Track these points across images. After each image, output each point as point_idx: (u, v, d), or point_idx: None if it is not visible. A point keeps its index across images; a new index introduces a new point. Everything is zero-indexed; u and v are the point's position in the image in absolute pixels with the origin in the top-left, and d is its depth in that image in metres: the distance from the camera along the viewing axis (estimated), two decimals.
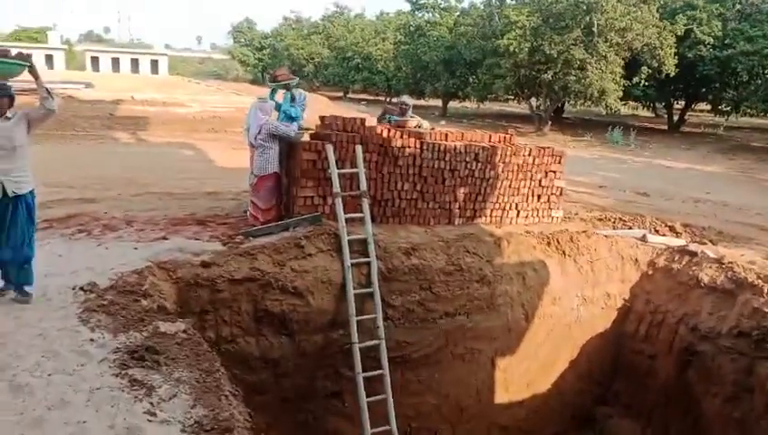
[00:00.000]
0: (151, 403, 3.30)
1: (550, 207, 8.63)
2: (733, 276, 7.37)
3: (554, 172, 8.54)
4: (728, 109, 29.07)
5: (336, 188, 6.96)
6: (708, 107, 32.39)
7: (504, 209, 8.29)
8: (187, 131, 18.30)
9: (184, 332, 4.45)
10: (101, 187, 9.47)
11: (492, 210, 8.21)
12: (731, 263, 7.56)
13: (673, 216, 10.42)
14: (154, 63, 52.99)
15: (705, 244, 8.75)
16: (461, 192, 7.93)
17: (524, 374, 7.94)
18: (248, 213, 7.53)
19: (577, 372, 8.29)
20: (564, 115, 34.02)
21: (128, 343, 4.06)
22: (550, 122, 28.26)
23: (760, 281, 7.07)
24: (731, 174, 18.56)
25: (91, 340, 4.15)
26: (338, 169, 7.01)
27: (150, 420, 3.14)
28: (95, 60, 52.55)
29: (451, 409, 7.57)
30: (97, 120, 18.22)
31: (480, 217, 8.15)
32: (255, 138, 7.31)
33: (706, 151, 23.40)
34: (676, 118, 30.43)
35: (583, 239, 8.28)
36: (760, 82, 25.19)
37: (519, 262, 7.72)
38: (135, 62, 52.47)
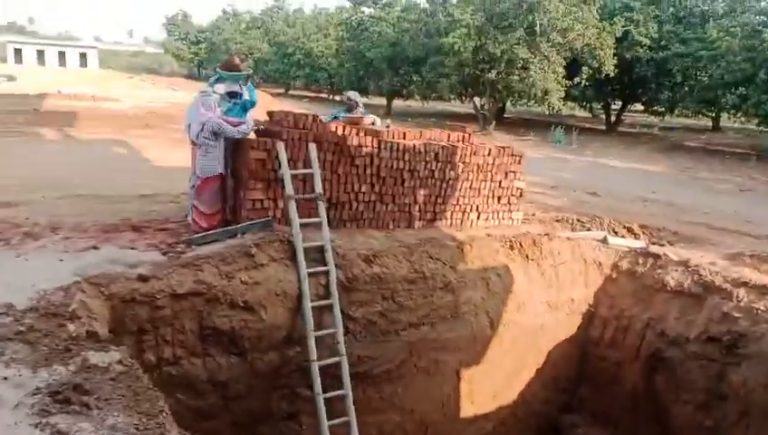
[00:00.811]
0: None
1: (510, 209, 8.29)
2: (699, 280, 7.22)
3: (514, 173, 8.21)
4: (663, 110, 29.95)
5: (288, 190, 6.35)
6: (642, 107, 33.34)
7: (465, 212, 7.89)
8: (119, 128, 17.10)
9: (119, 362, 3.76)
10: (22, 188, 8.48)
11: (452, 212, 7.79)
12: (696, 266, 7.41)
13: (625, 216, 10.30)
14: (83, 57, 50.43)
15: (663, 245, 8.64)
16: (421, 194, 7.47)
17: (490, 385, 7.56)
18: (190, 218, 6.81)
19: (542, 380, 7.99)
20: (505, 115, 34.26)
21: (50, 380, 3.35)
22: (494, 122, 28.32)
23: (728, 285, 6.92)
24: (672, 174, 18.94)
25: (5, 378, 3.42)
26: (290, 169, 6.41)
27: None
28: (18, 52, 49.49)
29: (415, 425, 7.11)
30: (20, 115, 16.81)
31: (440, 219, 7.71)
32: (198, 136, 6.60)
33: (645, 151, 23.93)
34: (612, 118, 31.11)
35: (546, 242, 7.98)
36: (693, 83, 25.99)
37: (482, 267, 7.33)
38: (62, 55, 49.78)
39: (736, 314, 6.64)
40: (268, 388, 6.11)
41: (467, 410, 7.46)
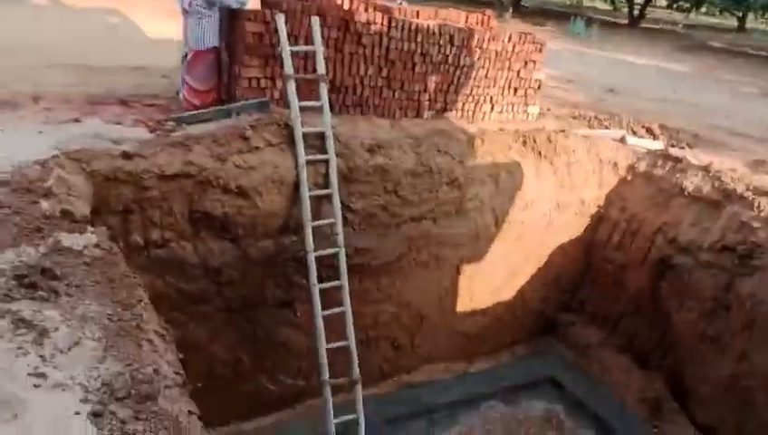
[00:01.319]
0: (42, 357, 2.40)
1: (526, 102, 7.74)
2: (720, 186, 6.83)
3: (534, 62, 7.57)
4: (688, 5, 28.15)
5: (288, 68, 5.80)
6: (666, 2, 31.39)
7: (478, 103, 7.35)
8: None
9: (96, 246, 3.46)
10: (2, 54, 7.90)
11: (464, 103, 7.25)
12: (718, 172, 7.00)
13: (645, 115, 9.73)
14: None
15: (683, 148, 8.18)
16: (432, 81, 6.90)
17: (490, 282, 7.41)
18: (181, 95, 6.32)
19: (544, 279, 7.83)
20: (523, 2, 32.33)
21: (16, 262, 3.06)
22: (511, 9, 26.70)
23: (750, 193, 6.54)
24: (695, 74, 17.99)
25: None
26: (290, 45, 5.83)
27: (37, 386, 2.25)
28: None
29: (411, 317, 7.01)
30: None
31: (451, 110, 7.19)
32: (190, 3, 5.96)
33: (668, 49, 22.67)
34: (635, 12, 29.35)
35: (561, 139, 7.52)
36: None
37: (492, 163, 6.92)
38: None
39: (756, 224, 6.31)
40: (262, 275, 5.91)
41: (464, 304, 7.36)
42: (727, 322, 6.45)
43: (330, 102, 6.06)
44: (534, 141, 7.29)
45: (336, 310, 5.76)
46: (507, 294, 7.66)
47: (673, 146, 8.21)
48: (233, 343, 6.04)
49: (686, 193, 7.08)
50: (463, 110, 7.28)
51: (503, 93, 7.48)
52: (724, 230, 6.57)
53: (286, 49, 5.76)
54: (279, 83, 5.98)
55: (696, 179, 7.09)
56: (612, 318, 7.87)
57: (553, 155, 7.40)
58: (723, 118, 11.23)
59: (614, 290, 7.77)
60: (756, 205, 6.41)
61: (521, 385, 7.24)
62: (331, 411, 5.47)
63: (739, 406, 6.26)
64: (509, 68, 7.37)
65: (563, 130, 7.64)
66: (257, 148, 5.58)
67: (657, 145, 8.13)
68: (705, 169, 7.12)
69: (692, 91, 14.08)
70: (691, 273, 6.82)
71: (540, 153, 7.34)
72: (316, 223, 5.77)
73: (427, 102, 7.01)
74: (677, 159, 7.44)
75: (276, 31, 5.78)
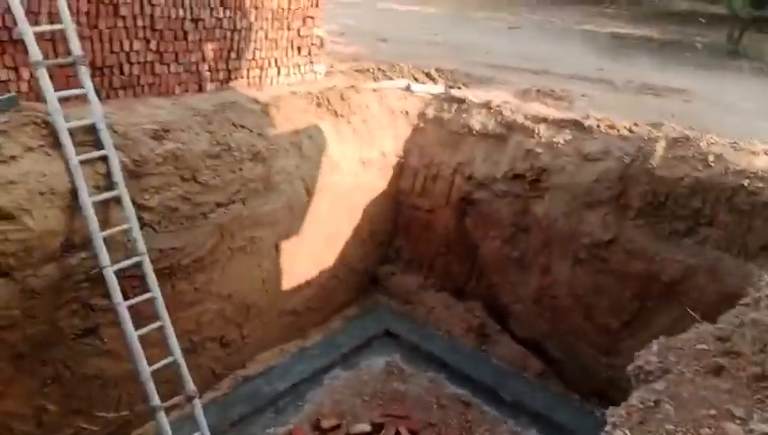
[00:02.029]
0: None
1: (311, 61, 7.47)
2: (503, 120, 7.31)
3: (312, 18, 7.29)
4: None
5: (34, 54, 4.76)
6: None
7: (263, 68, 6.89)
8: None
9: None
10: None
11: (249, 70, 6.75)
12: (498, 107, 7.47)
13: (419, 60, 10.06)
14: None
15: (460, 88, 8.61)
16: (209, 49, 6.27)
17: (310, 253, 7.17)
18: None
19: (360, 238, 7.81)
20: None
21: None
22: None
23: (529, 122, 7.09)
24: (447, 14, 19.18)
25: None
26: (32, 25, 4.77)
27: None
28: None
29: (236, 309, 6.52)
30: None
31: (236, 78, 6.65)
32: None
33: None
34: None
35: (354, 96, 7.42)
36: None
37: (293, 130, 6.58)
38: None
39: (538, 150, 6.89)
40: (52, 307, 4.95)
41: (289, 281, 7.05)
42: (528, 243, 7.04)
43: (95, 88, 5.16)
44: (328, 101, 7.08)
45: (153, 326, 5.07)
46: (328, 260, 7.51)
47: (451, 87, 8.58)
48: (30, 393, 5.03)
49: (473, 132, 7.47)
50: (249, 77, 6.77)
51: (287, 54, 7.10)
52: (513, 160, 7.08)
53: (27, 30, 4.71)
54: (26, 73, 4.91)
55: (481, 117, 7.50)
56: (427, 261, 8.18)
57: (349, 113, 7.28)
58: (484, 54, 12.10)
59: (425, 234, 8.06)
60: (536, 132, 6.98)
61: (358, 346, 7.23)
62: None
63: (550, 315, 6.95)
64: (288, 27, 6.99)
65: (353, 87, 7.53)
66: (13, 157, 4.55)
67: (439, 89, 8.43)
68: (487, 105, 7.56)
69: (450, 32, 14.98)
70: (490, 204, 7.29)
71: (336, 113, 7.16)
72: (107, 232, 4.95)
73: (209, 73, 6.39)
74: (461, 100, 7.80)
75: (9, 9, 4.68)
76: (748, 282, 4.66)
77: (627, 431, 2.89)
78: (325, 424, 6.06)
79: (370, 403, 6.46)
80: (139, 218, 5.25)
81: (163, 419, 4.89)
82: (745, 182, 5.63)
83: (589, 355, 6.72)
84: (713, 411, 2.97)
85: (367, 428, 6.07)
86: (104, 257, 4.88)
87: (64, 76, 5.07)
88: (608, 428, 3.02)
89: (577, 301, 6.63)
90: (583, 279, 6.52)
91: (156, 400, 4.87)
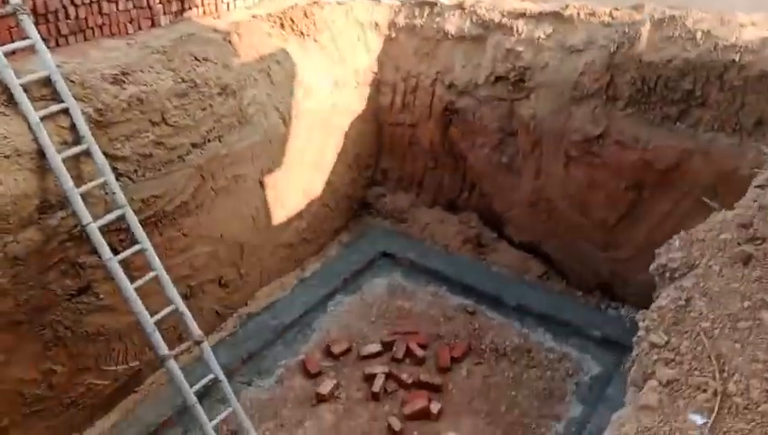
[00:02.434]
0: None
1: None
2: (479, 20, 6.94)
3: None
4: None
5: None
6: None
7: None
8: None
9: None
10: None
11: None
12: (473, 6, 7.08)
13: None
14: None
15: None
16: None
17: (296, 184, 7.00)
18: None
19: (345, 162, 7.62)
20: None
21: None
22: None
23: (506, 19, 6.75)
24: None
25: None
26: None
27: None
28: None
29: (228, 249, 6.41)
30: None
31: (190, 8, 6.22)
32: None
33: None
34: None
35: (318, 12, 7.01)
36: None
37: (259, 57, 6.24)
38: None
39: (519, 48, 6.60)
40: (39, 271, 4.80)
41: (279, 215, 6.92)
42: (516, 147, 6.89)
43: (42, 37, 4.79)
44: (292, 21, 6.69)
45: (147, 277, 4.96)
46: (316, 189, 7.34)
47: None
48: (35, 358, 4.97)
49: (449, 36, 7.12)
50: (204, 5, 6.35)
51: None
52: (493, 62, 6.80)
53: None
54: None
55: (455, 19, 7.13)
56: (416, 178, 8.04)
57: (315, 31, 6.90)
58: None
59: (411, 150, 7.87)
60: (515, 29, 6.66)
61: (357, 271, 7.20)
62: (185, 382, 4.87)
63: (546, 217, 6.90)
64: None
65: (316, 2, 7.09)
66: None
67: None
68: (460, 6, 7.16)
69: None
70: (474, 112, 7.07)
71: (302, 33, 6.78)
72: (82, 189, 4.74)
73: (160, 6, 5.97)
74: (433, 4, 7.38)
75: None
76: (748, 161, 4.55)
77: (662, 334, 2.78)
78: (336, 349, 6.11)
79: (377, 324, 6.50)
80: (114, 169, 5.03)
81: (173, 366, 4.87)
82: (736, 57, 5.42)
83: (588, 252, 6.73)
84: (747, 303, 2.87)
85: (377, 348, 6.13)
86: (85, 215, 4.70)
87: (6, 28, 4.69)
88: (641, 333, 2.92)
89: (572, 199, 6.55)
90: (576, 177, 6.42)
91: (163, 349, 4.83)
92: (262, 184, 6.54)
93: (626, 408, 2.50)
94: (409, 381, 5.77)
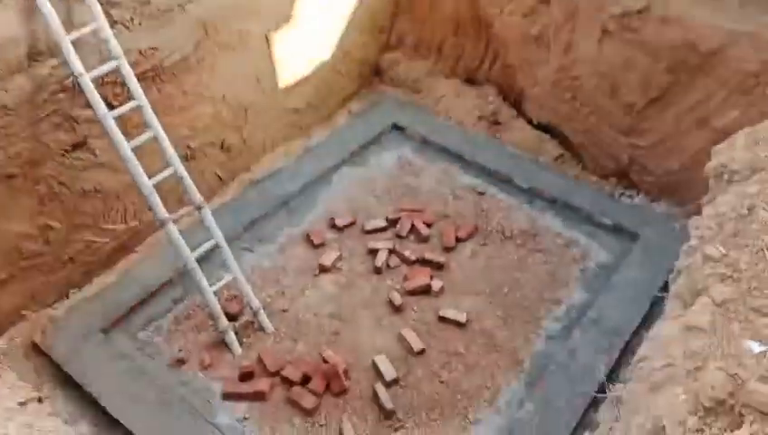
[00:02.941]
0: None
1: None
2: None
3: None
4: None
5: None
6: None
7: None
8: None
9: None
10: None
11: None
12: None
13: None
14: None
15: None
16: None
17: (305, 45, 6.49)
18: None
19: (358, 23, 7.03)
20: None
21: None
22: None
23: None
24: None
25: None
26: None
27: None
28: None
29: (233, 111, 6.08)
30: None
31: None
32: None
33: None
34: None
35: None
36: None
37: None
38: None
39: None
40: (30, 123, 4.53)
41: (286, 78, 6.49)
42: (549, 16, 6.31)
43: None
44: None
45: (144, 137, 4.69)
46: (326, 52, 6.84)
47: None
48: (31, 213, 4.84)
49: None
50: None
51: None
52: None
53: None
54: None
55: None
56: (435, 45, 7.47)
57: None
58: None
59: (431, 14, 7.25)
60: None
61: (366, 143, 6.89)
62: (185, 246, 4.77)
63: (569, 97, 6.47)
64: None
65: None
66: None
67: None
68: None
69: None
70: None
71: None
72: (74, 35, 4.35)
73: None
74: None
75: None
76: None
77: (719, 246, 2.40)
78: (340, 222, 5.97)
79: (383, 199, 6.32)
80: (108, 16, 4.60)
81: (173, 230, 4.75)
82: None
83: (608, 136, 6.39)
84: None
85: (382, 223, 5.99)
86: (77, 64, 4.34)
87: None
88: (693, 242, 2.56)
89: (601, 79, 6.09)
90: (610, 54, 5.90)
91: (162, 212, 4.68)
92: (268, 42, 6.06)
93: (668, 324, 2.22)
94: (412, 257, 5.68)
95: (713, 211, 2.66)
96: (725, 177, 2.92)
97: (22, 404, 1.97)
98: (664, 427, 1.68)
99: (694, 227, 2.64)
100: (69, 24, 4.41)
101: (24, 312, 5.03)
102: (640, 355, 1.99)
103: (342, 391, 4.69)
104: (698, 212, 6.05)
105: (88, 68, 4.40)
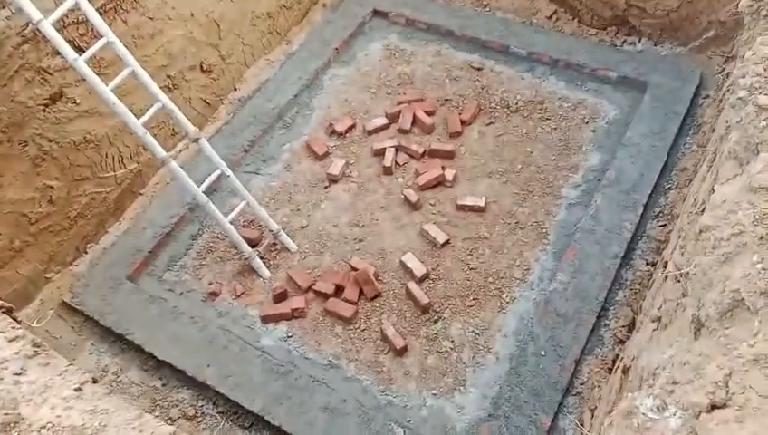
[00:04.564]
0: None
1: None
2: None
3: None
4: None
5: None
6: None
7: None
8: None
9: None
10: None
11: None
12: None
13: None
14: None
15: None
16: None
17: None
18: None
19: None
20: None
21: None
22: None
23: None
24: None
25: None
26: None
27: None
28: None
29: (204, 28, 5.72)
30: None
31: None
32: None
33: None
34: None
35: None
36: None
37: None
38: None
39: None
40: (1, 83, 4.25)
41: None
42: None
43: None
44: None
45: (123, 74, 4.37)
46: None
47: None
48: (26, 176, 4.67)
49: None
50: None
51: None
52: None
53: None
54: None
55: None
56: None
57: None
58: None
59: None
60: None
61: (348, 37, 6.51)
62: (192, 183, 4.63)
63: None
64: None
65: None
66: None
67: None
68: None
69: None
70: None
71: None
72: None
73: None
74: None
75: None
76: None
77: None
78: (339, 127, 5.78)
79: (379, 95, 6.08)
80: None
81: (175, 167, 4.59)
82: None
83: None
84: None
85: (383, 120, 5.80)
86: (32, 10, 3.98)
87: None
88: (742, 93, 2.28)
89: None
90: None
91: (160, 152, 4.50)
92: None
93: (728, 188, 2.08)
94: (420, 150, 5.54)
95: (756, 55, 2.39)
96: (763, 12, 2.65)
97: (78, 390, 1.96)
98: (743, 299, 1.64)
99: (740, 75, 2.40)
100: None
101: (47, 275, 5.00)
102: (703, 225, 1.90)
103: (376, 295, 4.74)
104: (704, 49, 5.89)
105: (45, 12, 4.04)
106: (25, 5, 3.94)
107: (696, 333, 1.80)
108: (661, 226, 4.86)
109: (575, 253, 4.73)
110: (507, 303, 4.66)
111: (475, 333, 4.52)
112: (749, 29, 2.76)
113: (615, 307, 4.51)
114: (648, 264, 4.66)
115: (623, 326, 4.36)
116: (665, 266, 3.00)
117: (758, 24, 2.67)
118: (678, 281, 2.11)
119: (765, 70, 2.35)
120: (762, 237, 1.76)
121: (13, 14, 4.15)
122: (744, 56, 2.49)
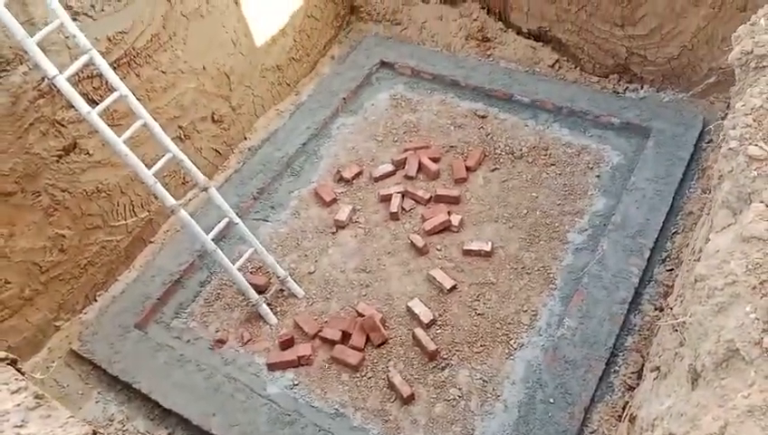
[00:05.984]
0: None
1: None
2: None
3: None
4: None
5: None
6: None
7: None
8: None
9: None
10: None
11: None
12: None
13: None
14: None
15: None
16: None
17: None
18: None
19: None
20: None
21: None
22: None
23: None
24: None
25: None
26: None
27: None
28: None
29: (215, 80, 5.88)
30: None
31: None
32: None
33: None
34: None
35: None
36: None
37: None
38: None
39: None
40: (17, 135, 4.39)
41: (261, 35, 6.24)
42: None
43: None
44: None
45: (135, 126, 4.52)
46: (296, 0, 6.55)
47: None
48: (39, 226, 4.76)
49: None
50: None
51: None
52: None
53: None
54: None
55: None
56: None
57: None
58: None
59: None
60: None
61: (356, 87, 6.68)
62: (200, 231, 4.71)
63: None
64: None
65: None
66: None
67: None
68: None
69: None
70: None
71: None
72: (38, 36, 4.12)
73: None
74: None
75: None
76: None
77: (763, 144, 2.21)
78: (347, 174, 5.87)
79: (385, 142, 6.19)
80: (68, 9, 4.36)
81: (184, 216, 4.67)
82: None
83: (603, 31, 6.15)
84: None
85: (389, 167, 5.89)
86: (48, 66, 4.14)
87: None
88: (733, 144, 2.35)
89: None
90: None
91: (170, 200, 4.59)
92: (236, 2, 5.79)
93: (722, 237, 2.09)
94: (426, 196, 5.60)
95: (746, 105, 2.44)
96: (752, 64, 2.71)
97: None
98: (738, 350, 1.64)
99: (731, 126, 2.43)
100: (31, 26, 4.20)
101: (56, 323, 5.04)
102: (698, 274, 1.90)
103: (383, 342, 4.73)
104: (706, 95, 5.95)
105: (60, 67, 4.21)
106: (42, 61, 4.10)
107: (692, 383, 1.79)
108: (668, 270, 4.83)
109: (583, 298, 4.71)
110: (515, 349, 4.63)
111: (483, 381, 4.47)
112: (740, 80, 2.79)
113: (624, 353, 4.46)
114: (656, 309, 4.62)
115: (633, 373, 4.30)
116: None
117: (748, 75, 2.71)
118: (676, 330, 2.10)
119: (755, 120, 2.38)
120: (754, 287, 1.76)
121: (30, 69, 4.30)
122: (735, 107, 2.53)
